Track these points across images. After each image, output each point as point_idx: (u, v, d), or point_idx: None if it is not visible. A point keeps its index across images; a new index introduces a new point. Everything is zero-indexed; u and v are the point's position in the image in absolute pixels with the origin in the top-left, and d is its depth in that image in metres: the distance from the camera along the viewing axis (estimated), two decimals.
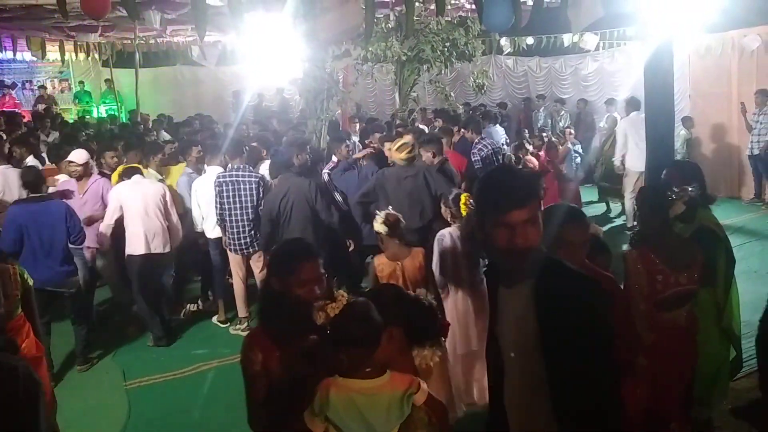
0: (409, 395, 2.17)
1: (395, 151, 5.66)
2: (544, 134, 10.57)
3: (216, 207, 6.05)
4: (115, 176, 6.32)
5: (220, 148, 6.62)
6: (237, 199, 5.96)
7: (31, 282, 4.05)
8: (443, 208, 4.69)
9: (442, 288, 4.40)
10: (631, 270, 3.46)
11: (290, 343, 2.36)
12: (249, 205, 5.98)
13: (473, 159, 7.46)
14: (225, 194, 5.96)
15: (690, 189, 3.55)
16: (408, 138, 5.66)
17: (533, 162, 8.66)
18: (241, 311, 6.31)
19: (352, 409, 2.15)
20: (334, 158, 6.96)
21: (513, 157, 8.42)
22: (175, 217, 6.07)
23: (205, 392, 5.15)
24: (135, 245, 5.86)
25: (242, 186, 5.99)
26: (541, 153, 8.96)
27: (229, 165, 6.15)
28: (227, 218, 6.01)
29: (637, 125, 8.05)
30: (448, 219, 4.59)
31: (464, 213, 4.42)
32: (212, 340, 6.15)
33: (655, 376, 3.32)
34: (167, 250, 6.02)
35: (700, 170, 4.18)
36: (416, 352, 2.42)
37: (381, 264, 4.18)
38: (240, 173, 6.03)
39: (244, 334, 6.16)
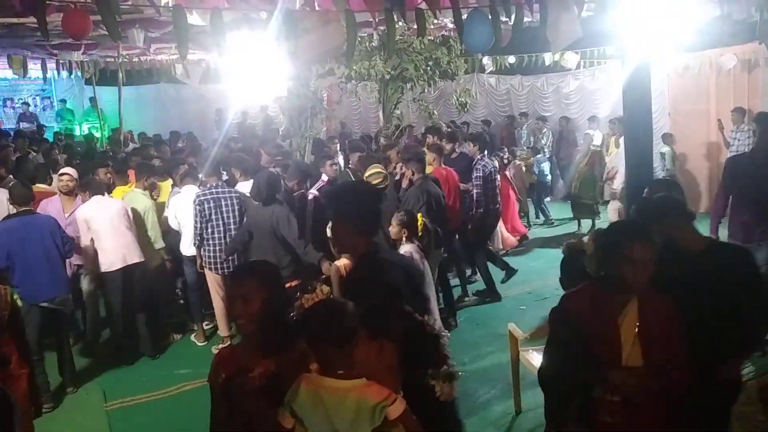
0: (383, 407, 2.14)
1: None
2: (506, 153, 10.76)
3: (195, 226, 6.00)
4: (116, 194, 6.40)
5: (196, 167, 6.68)
6: (219, 217, 5.93)
7: (20, 303, 4.07)
8: (396, 227, 4.79)
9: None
10: None
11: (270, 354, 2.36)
12: (231, 221, 5.97)
13: (474, 176, 7.45)
14: (207, 212, 5.92)
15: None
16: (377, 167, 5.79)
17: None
18: (223, 330, 6.26)
19: (318, 406, 2.14)
20: (324, 177, 6.94)
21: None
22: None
23: (188, 412, 5.08)
24: (110, 261, 5.83)
25: (223, 203, 5.96)
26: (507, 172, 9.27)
27: (208, 183, 6.13)
28: (208, 236, 5.96)
29: None
30: (403, 238, 4.73)
31: (420, 234, 4.69)
32: (195, 360, 6.08)
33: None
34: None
35: (680, 187, 4.28)
36: (437, 385, 2.39)
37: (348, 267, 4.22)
38: (219, 190, 6.01)
39: None
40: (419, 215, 4.82)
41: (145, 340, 6.21)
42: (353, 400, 2.14)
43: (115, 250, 5.82)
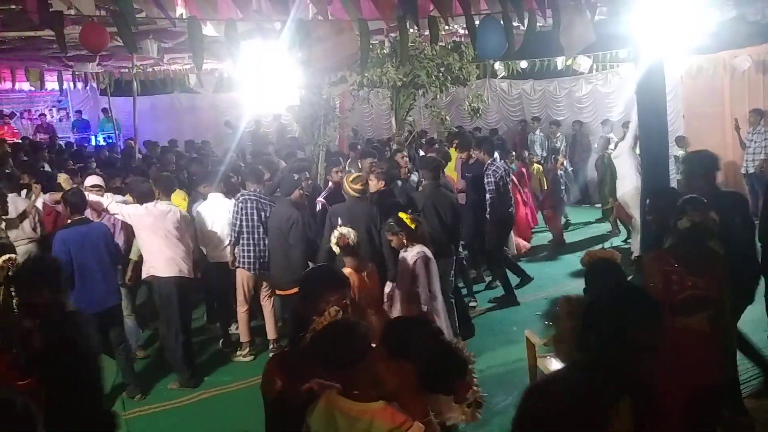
0: None
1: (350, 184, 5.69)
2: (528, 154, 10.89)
3: (235, 224, 6.08)
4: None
5: (218, 175, 6.73)
6: (260, 219, 6.06)
7: None
8: (391, 238, 4.80)
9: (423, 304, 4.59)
10: (647, 270, 3.44)
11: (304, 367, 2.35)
12: (262, 228, 6.09)
13: (486, 181, 7.45)
14: (249, 212, 6.04)
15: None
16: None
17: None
18: (244, 336, 6.28)
19: (330, 426, 2.13)
20: (330, 184, 6.97)
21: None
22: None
23: (207, 421, 5.12)
24: (163, 268, 5.60)
25: (264, 207, 6.11)
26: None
27: (253, 188, 6.27)
28: (249, 236, 6.03)
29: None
30: (404, 243, 4.73)
31: (413, 226, 4.68)
32: (213, 368, 6.11)
33: (670, 387, 3.16)
34: (192, 275, 5.84)
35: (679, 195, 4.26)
36: (452, 412, 2.25)
37: (350, 275, 4.19)
38: (261, 196, 6.19)
39: (246, 360, 6.14)
40: (401, 213, 4.80)
41: (180, 364, 5.75)
42: (365, 423, 2.09)
43: (171, 258, 5.63)
